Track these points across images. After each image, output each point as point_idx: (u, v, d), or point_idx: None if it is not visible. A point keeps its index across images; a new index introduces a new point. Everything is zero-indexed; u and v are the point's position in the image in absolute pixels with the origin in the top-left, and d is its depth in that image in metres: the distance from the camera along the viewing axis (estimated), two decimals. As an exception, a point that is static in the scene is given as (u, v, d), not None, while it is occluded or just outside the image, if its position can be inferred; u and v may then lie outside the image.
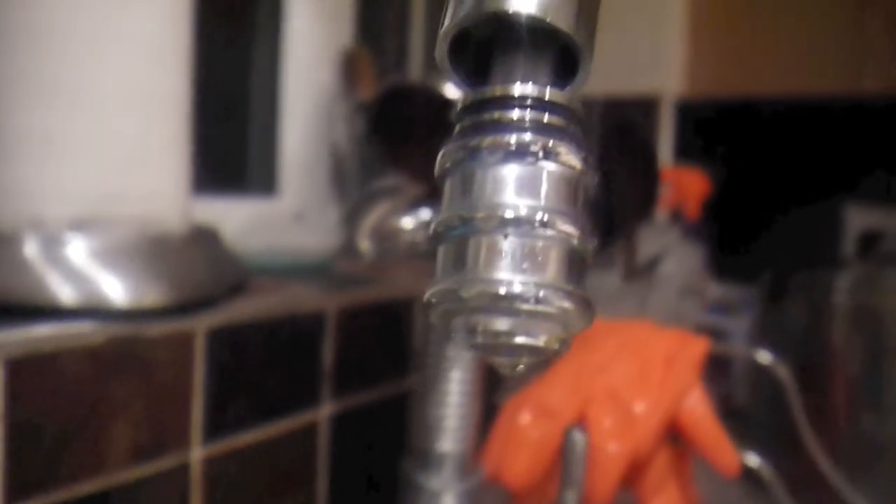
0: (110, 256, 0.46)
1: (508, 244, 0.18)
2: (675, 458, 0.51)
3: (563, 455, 0.47)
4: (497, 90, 0.19)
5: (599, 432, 0.47)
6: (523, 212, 0.18)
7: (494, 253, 0.18)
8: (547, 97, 0.19)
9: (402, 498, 0.50)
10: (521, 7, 0.19)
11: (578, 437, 0.46)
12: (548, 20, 0.19)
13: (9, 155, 0.46)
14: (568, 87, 0.20)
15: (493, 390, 0.51)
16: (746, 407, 0.81)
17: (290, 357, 0.56)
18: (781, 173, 1.15)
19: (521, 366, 0.19)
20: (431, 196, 0.54)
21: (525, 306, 0.18)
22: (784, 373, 0.54)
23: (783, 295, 0.81)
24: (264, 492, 0.55)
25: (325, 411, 0.59)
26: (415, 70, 1.04)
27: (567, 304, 0.18)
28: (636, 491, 0.50)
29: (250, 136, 0.86)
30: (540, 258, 0.18)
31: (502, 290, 0.18)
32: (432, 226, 0.19)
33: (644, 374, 0.50)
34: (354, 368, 0.61)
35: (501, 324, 0.18)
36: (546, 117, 0.19)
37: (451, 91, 0.52)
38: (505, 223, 0.18)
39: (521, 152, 0.18)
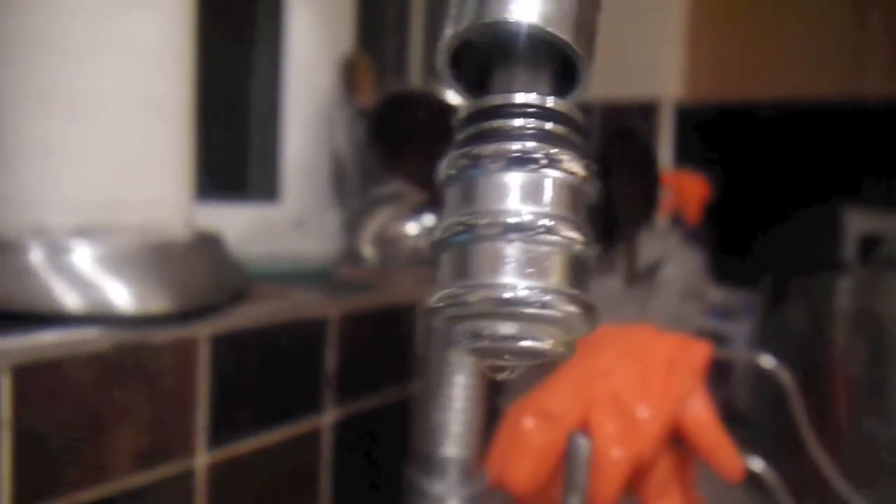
0: (115, 263, 0.47)
1: (512, 250, 0.18)
2: (679, 463, 0.51)
3: (566, 460, 0.47)
4: (499, 99, 0.19)
5: (603, 437, 0.47)
6: (527, 218, 0.18)
7: (498, 258, 0.18)
8: (549, 105, 0.19)
9: (405, 503, 0.50)
10: (521, 17, 0.19)
11: (582, 442, 0.46)
12: (548, 30, 0.19)
13: (12, 162, 0.47)
14: (569, 96, 0.20)
15: (495, 396, 0.52)
16: (748, 411, 0.81)
17: (293, 363, 0.56)
18: (781, 177, 1.15)
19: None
20: (433, 203, 0.54)
21: (530, 311, 0.18)
22: (786, 377, 0.55)
23: (784, 299, 0.81)
24: (268, 497, 0.55)
25: (328, 417, 0.59)
26: (414, 76, 1.05)
27: (571, 308, 0.18)
28: (639, 495, 0.50)
29: (251, 142, 0.86)
30: (544, 263, 0.18)
31: (507, 295, 0.18)
32: (436, 232, 0.19)
33: (646, 378, 0.50)
34: (357, 374, 0.62)
35: (506, 328, 0.18)
36: (548, 125, 0.19)
37: (452, 98, 0.52)
38: (508, 229, 0.18)
39: (523, 160, 0.19)
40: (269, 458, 0.55)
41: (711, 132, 1.24)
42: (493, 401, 0.51)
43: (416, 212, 0.54)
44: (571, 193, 0.19)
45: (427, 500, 0.48)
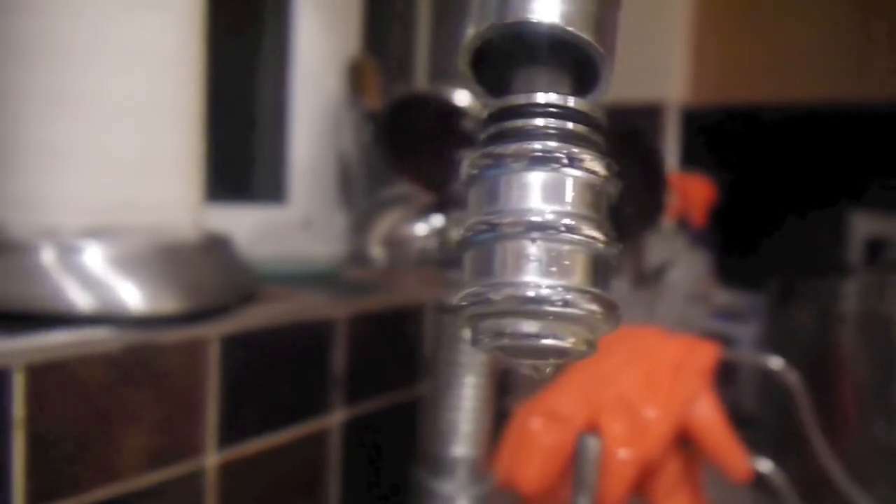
0: (125, 264, 0.47)
1: (536, 249, 0.18)
2: (686, 464, 0.51)
3: (575, 461, 0.47)
4: (521, 99, 0.20)
5: (611, 438, 0.47)
6: (549, 217, 0.18)
7: (522, 257, 0.18)
8: (570, 105, 0.19)
9: (414, 503, 0.50)
10: (543, 17, 0.19)
11: (591, 442, 0.46)
12: (570, 30, 0.19)
13: (23, 165, 0.47)
14: (590, 96, 0.20)
15: (503, 396, 0.52)
16: (754, 413, 0.81)
17: (302, 364, 0.57)
18: (786, 180, 1.15)
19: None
20: (441, 204, 0.54)
21: (553, 309, 0.18)
22: (794, 378, 0.55)
23: (791, 301, 0.81)
24: (276, 497, 0.56)
25: (336, 417, 0.59)
26: (420, 79, 1.05)
27: (594, 307, 0.18)
28: (648, 497, 0.50)
29: (258, 143, 0.87)
30: (567, 262, 0.18)
31: (531, 294, 0.18)
32: (459, 232, 0.20)
33: (653, 380, 0.50)
34: (365, 375, 0.62)
35: (529, 326, 0.18)
36: (569, 125, 0.19)
37: (461, 100, 0.53)
38: (531, 228, 0.18)
39: (545, 159, 0.19)
40: (278, 458, 0.55)
41: (717, 135, 1.24)
42: (501, 402, 0.51)
43: (424, 213, 0.54)
44: (593, 192, 0.19)
45: (436, 500, 0.48)
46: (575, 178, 0.19)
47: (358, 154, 0.85)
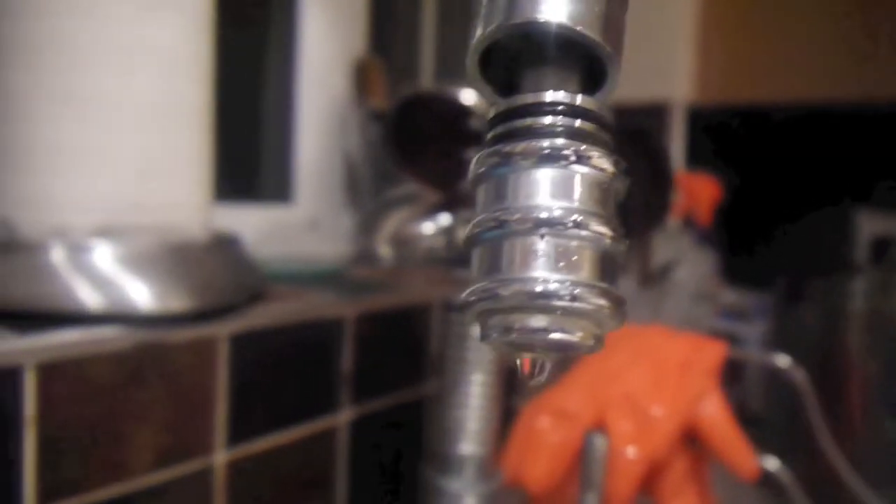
0: (135, 263, 0.47)
1: (544, 244, 0.19)
2: (693, 463, 0.51)
3: (583, 459, 0.47)
4: (529, 98, 0.20)
5: (619, 436, 0.47)
6: (557, 213, 0.19)
7: (530, 253, 0.19)
8: (578, 104, 0.20)
9: (421, 501, 0.50)
10: (551, 17, 0.19)
11: (599, 441, 0.47)
12: (578, 29, 0.19)
13: (34, 165, 0.47)
14: (598, 94, 0.21)
15: (510, 395, 0.52)
16: (761, 412, 0.81)
17: (310, 362, 0.57)
18: (792, 179, 1.15)
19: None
20: (448, 203, 0.55)
21: (561, 304, 0.18)
22: (801, 376, 0.55)
23: (798, 300, 0.81)
24: (284, 495, 0.56)
25: (343, 416, 0.60)
26: (426, 78, 1.05)
27: (602, 302, 0.18)
28: (655, 495, 0.50)
29: (265, 144, 0.87)
30: (575, 258, 0.19)
31: (539, 289, 0.18)
32: (468, 229, 0.20)
33: (660, 378, 0.51)
34: (372, 374, 0.62)
35: (538, 321, 0.19)
36: (578, 123, 0.19)
37: (467, 99, 0.53)
38: (540, 224, 0.19)
39: (553, 157, 0.19)
40: (286, 457, 0.55)
41: (722, 134, 1.24)
42: (509, 400, 0.51)
43: (430, 212, 0.55)
44: (601, 189, 0.19)
45: (444, 498, 0.49)
46: (583, 174, 0.19)
47: (364, 154, 0.85)
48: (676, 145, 1.28)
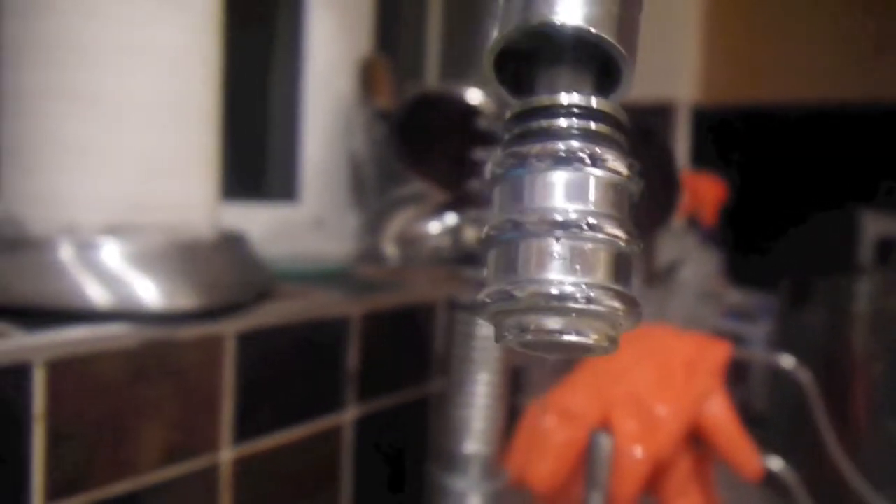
0: (143, 261, 0.47)
1: (560, 247, 0.19)
2: (698, 463, 0.51)
3: (588, 458, 0.47)
4: (545, 100, 0.20)
5: (624, 435, 0.47)
6: (573, 216, 0.19)
7: (546, 255, 0.19)
8: (593, 106, 0.20)
9: (427, 499, 0.50)
10: (567, 19, 0.19)
11: (604, 440, 0.47)
12: (593, 31, 0.19)
13: (42, 163, 0.47)
14: (612, 96, 0.21)
15: (515, 393, 0.52)
16: (765, 412, 0.82)
17: (316, 361, 0.57)
18: (797, 180, 1.15)
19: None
20: (455, 202, 0.55)
21: (576, 306, 0.18)
22: (806, 377, 0.55)
23: (802, 301, 0.81)
24: (290, 493, 0.56)
25: (349, 414, 0.60)
26: (432, 78, 1.05)
27: (616, 304, 0.19)
28: (659, 494, 0.50)
29: (271, 142, 0.87)
30: (589, 260, 0.19)
31: (555, 291, 0.18)
32: (483, 230, 0.20)
33: (665, 378, 0.51)
34: (378, 372, 0.62)
35: (553, 323, 0.19)
36: (593, 125, 0.20)
37: (474, 98, 0.53)
38: (555, 226, 0.19)
39: (569, 159, 0.19)
40: (292, 454, 0.55)
41: (727, 134, 1.24)
42: (514, 399, 0.51)
43: (437, 211, 0.55)
44: (615, 191, 0.19)
45: (449, 497, 0.49)
46: (598, 177, 0.19)
47: (370, 153, 0.85)
48: (681, 145, 1.28)
